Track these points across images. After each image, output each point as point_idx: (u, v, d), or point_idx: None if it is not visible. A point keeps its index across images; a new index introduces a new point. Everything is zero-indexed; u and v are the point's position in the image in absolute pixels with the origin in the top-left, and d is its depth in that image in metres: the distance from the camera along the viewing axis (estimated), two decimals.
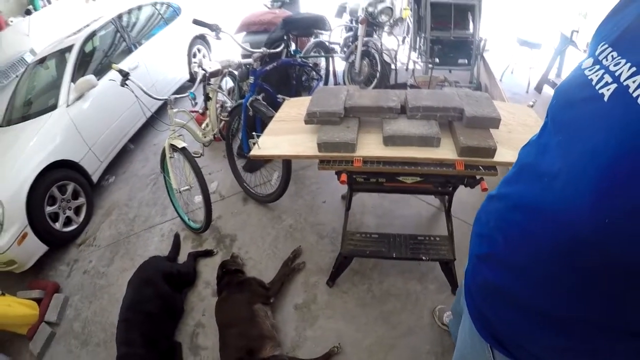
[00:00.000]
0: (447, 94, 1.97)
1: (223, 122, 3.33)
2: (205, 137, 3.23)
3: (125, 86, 2.56)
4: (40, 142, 3.29)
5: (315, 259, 2.60)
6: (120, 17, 4.63)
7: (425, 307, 2.23)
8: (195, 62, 5.53)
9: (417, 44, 4.33)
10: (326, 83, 4.29)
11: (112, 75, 3.33)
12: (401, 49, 4.67)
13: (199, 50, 5.72)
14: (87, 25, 4.43)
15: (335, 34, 4.55)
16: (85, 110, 3.68)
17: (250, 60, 2.96)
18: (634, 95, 0.53)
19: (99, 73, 3.88)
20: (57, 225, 3.22)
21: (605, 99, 0.58)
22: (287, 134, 2.18)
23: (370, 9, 3.64)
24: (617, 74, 0.58)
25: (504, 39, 4.73)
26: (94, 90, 3.72)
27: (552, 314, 0.66)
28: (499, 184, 0.84)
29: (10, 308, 2.61)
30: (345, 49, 4.38)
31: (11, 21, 5.52)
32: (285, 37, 3.57)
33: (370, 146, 1.92)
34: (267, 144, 2.10)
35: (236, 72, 3.81)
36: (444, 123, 1.91)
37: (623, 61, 0.59)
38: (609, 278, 0.56)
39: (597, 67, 0.63)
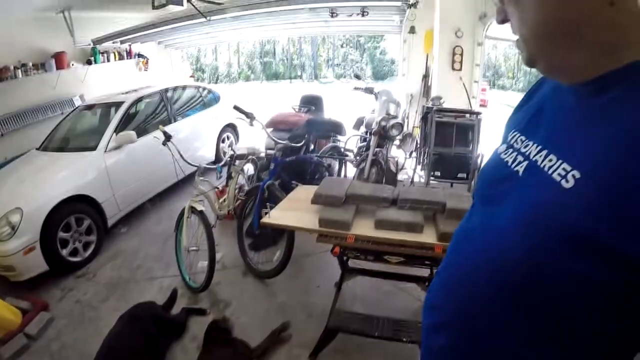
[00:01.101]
0: (434, 190, 2.32)
1: (239, 201, 3.68)
2: (220, 210, 3.56)
3: (166, 146, 2.99)
4: (72, 173, 3.73)
5: (302, 334, 2.71)
6: (167, 90, 5.36)
7: None
8: (223, 146, 6.15)
9: (421, 157, 4.82)
10: None
11: (157, 134, 3.79)
12: (407, 163, 5.15)
13: (227, 137, 6.39)
14: (136, 90, 5.13)
15: (351, 142, 5.07)
16: (119, 160, 4.15)
17: (273, 151, 3.41)
18: (542, 165, 0.65)
19: (138, 133, 4.36)
20: (64, 252, 3.47)
21: (520, 174, 0.70)
22: (295, 211, 2.51)
23: (383, 123, 4.14)
24: (527, 153, 0.71)
25: None
26: (131, 146, 4.20)
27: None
28: (443, 260, 0.92)
29: None
30: (357, 157, 4.84)
31: (72, 64, 6.22)
32: (306, 136, 4.05)
33: (363, 228, 2.21)
34: (277, 216, 2.43)
35: (258, 162, 4.25)
36: (429, 216, 2.22)
37: (531, 143, 0.72)
38: (549, 317, 0.62)
39: (510, 150, 0.77)
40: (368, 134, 4.69)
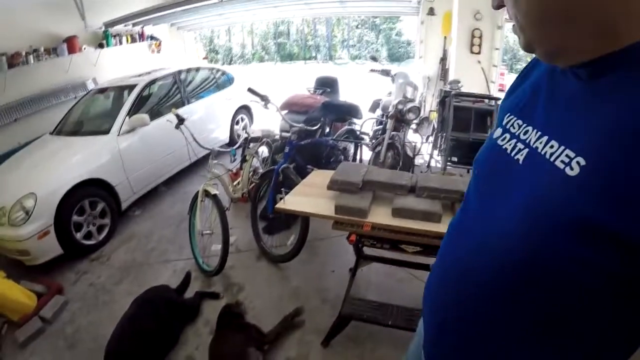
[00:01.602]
0: (453, 179, 2.25)
1: (253, 184, 3.65)
2: (234, 193, 3.54)
3: (179, 129, 2.96)
4: (86, 157, 3.73)
5: (315, 320, 2.70)
6: (180, 72, 5.33)
7: None
8: (236, 129, 6.13)
9: (438, 142, 4.73)
10: None
11: (170, 117, 3.72)
12: (424, 147, 5.06)
13: (242, 119, 6.38)
14: (149, 73, 5.12)
15: (367, 126, 4.99)
16: (132, 143, 4.16)
17: (287, 134, 3.36)
18: (543, 152, 0.64)
19: (151, 116, 4.36)
20: (78, 235, 3.51)
21: (520, 162, 0.69)
22: (310, 196, 2.47)
23: (400, 107, 4.05)
24: (527, 140, 0.70)
25: None
26: (144, 129, 4.21)
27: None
28: (437, 254, 0.92)
29: (10, 291, 2.81)
30: (373, 140, 4.76)
31: (84, 48, 6.17)
32: (322, 119, 3.98)
33: (380, 216, 2.16)
34: (292, 201, 2.39)
35: (273, 145, 4.21)
36: (447, 205, 2.15)
37: (530, 128, 0.71)
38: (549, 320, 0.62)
39: (508, 136, 0.75)
40: (384, 117, 4.62)
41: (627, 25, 0.54)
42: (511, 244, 0.64)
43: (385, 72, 4.87)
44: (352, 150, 4.78)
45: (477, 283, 0.71)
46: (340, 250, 3.35)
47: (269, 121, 4.96)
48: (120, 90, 4.75)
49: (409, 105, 4.11)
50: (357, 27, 22.95)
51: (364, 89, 7.51)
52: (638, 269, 0.51)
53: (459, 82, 4.91)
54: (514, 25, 0.65)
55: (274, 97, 3.47)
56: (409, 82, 4.63)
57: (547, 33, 0.61)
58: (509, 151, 0.73)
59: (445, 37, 6.43)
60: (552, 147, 0.63)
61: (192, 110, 5.14)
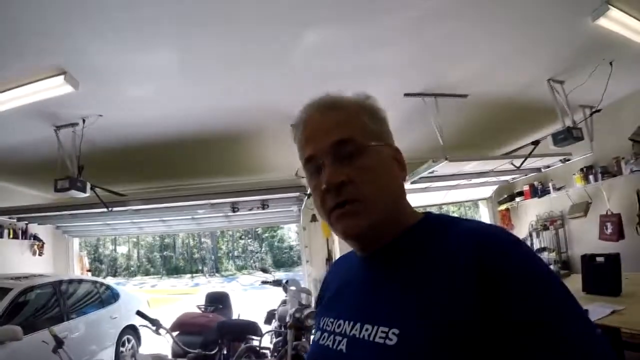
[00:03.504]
0: None
1: None
2: None
3: (57, 354, 2.55)
4: None
5: None
6: (61, 282, 4.82)
7: None
8: (123, 352, 5.48)
9: None
10: None
11: (46, 336, 3.17)
12: None
13: (128, 340, 5.70)
14: (27, 277, 4.54)
15: (266, 339, 4.79)
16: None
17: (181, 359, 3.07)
18: (361, 337, 0.71)
19: (26, 328, 3.68)
20: None
21: (344, 351, 0.73)
22: None
23: (298, 315, 4.04)
24: (342, 332, 0.76)
25: None
26: (16, 343, 3.51)
27: None
28: None
29: None
30: (275, 354, 4.53)
31: None
32: (219, 341, 3.76)
33: None
34: None
35: None
36: None
37: (342, 321, 0.78)
38: None
39: (326, 334, 0.81)
40: (282, 327, 4.53)
41: (405, 218, 0.78)
42: None
43: (277, 283, 4.99)
44: None
45: None
46: None
47: (159, 342, 4.53)
48: None
49: (307, 311, 4.15)
50: (240, 237, 23.87)
51: (256, 300, 7.43)
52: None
53: None
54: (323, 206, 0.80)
55: (163, 317, 3.26)
56: (302, 289, 4.76)
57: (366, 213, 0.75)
58: (330, 346, 0.78)
59: (327, 239, 6.94)
60: (367, 329, 0.71)
61: (73, 328, 4.52)
